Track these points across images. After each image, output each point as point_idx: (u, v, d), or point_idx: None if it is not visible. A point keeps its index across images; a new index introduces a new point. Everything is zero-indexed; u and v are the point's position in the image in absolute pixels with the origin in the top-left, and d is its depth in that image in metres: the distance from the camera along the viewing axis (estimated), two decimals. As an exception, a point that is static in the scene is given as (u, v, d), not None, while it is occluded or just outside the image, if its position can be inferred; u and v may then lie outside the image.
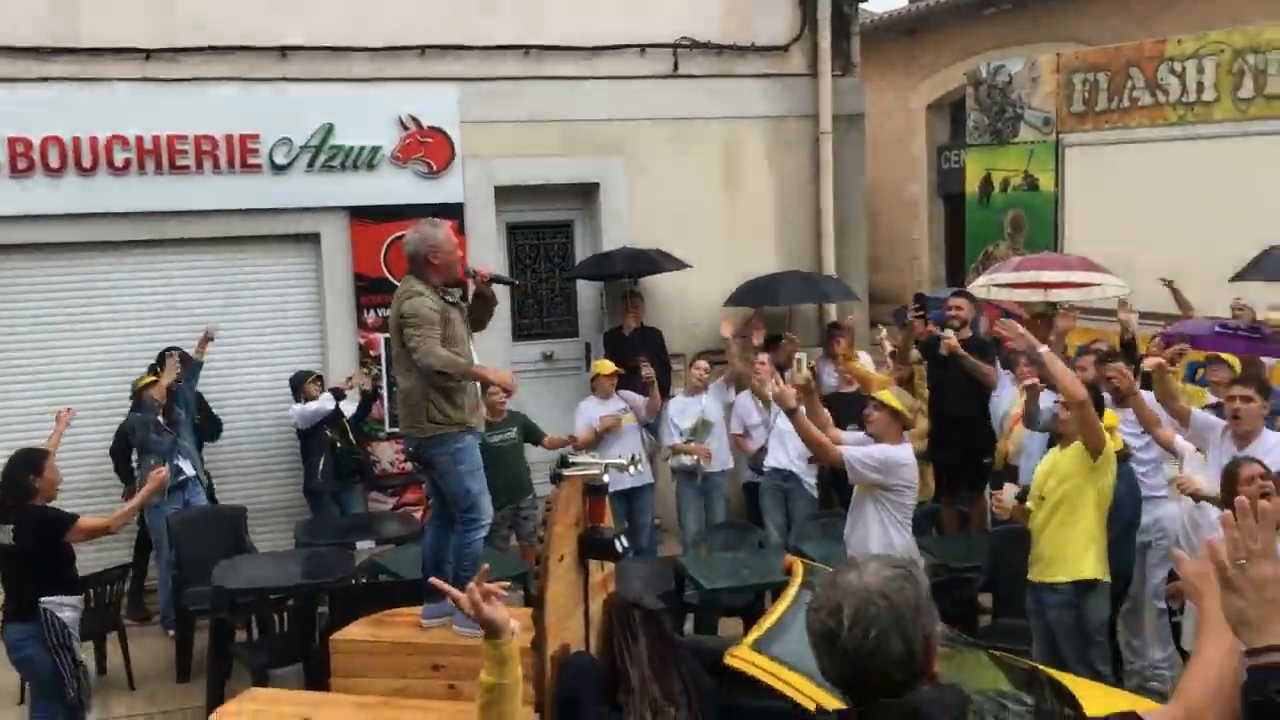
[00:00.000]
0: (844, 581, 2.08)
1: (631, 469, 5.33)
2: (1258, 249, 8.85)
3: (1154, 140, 12.75)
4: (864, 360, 9.14)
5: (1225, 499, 5.23)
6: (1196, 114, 12.49)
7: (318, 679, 5.53)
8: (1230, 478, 5.18)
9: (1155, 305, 9.80)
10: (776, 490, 8.12)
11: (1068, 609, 5.76)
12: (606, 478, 4.89)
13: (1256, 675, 1.81)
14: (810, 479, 8.11)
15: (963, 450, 7.91)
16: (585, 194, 10.07)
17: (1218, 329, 8.80)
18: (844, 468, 6.03)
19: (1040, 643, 5.90)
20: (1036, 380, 6.65)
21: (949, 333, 7.89)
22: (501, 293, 6.02)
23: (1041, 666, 5.11)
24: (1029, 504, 6.03)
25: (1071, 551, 5.76)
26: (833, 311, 10.22)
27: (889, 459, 5.99)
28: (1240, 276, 8.67)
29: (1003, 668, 4.89)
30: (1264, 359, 7.85)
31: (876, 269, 17.76)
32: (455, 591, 2.71)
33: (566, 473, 4.83)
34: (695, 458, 8.39)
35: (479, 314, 5.61)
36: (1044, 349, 5.93)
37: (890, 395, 6.37)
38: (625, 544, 4.88)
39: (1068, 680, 4.86)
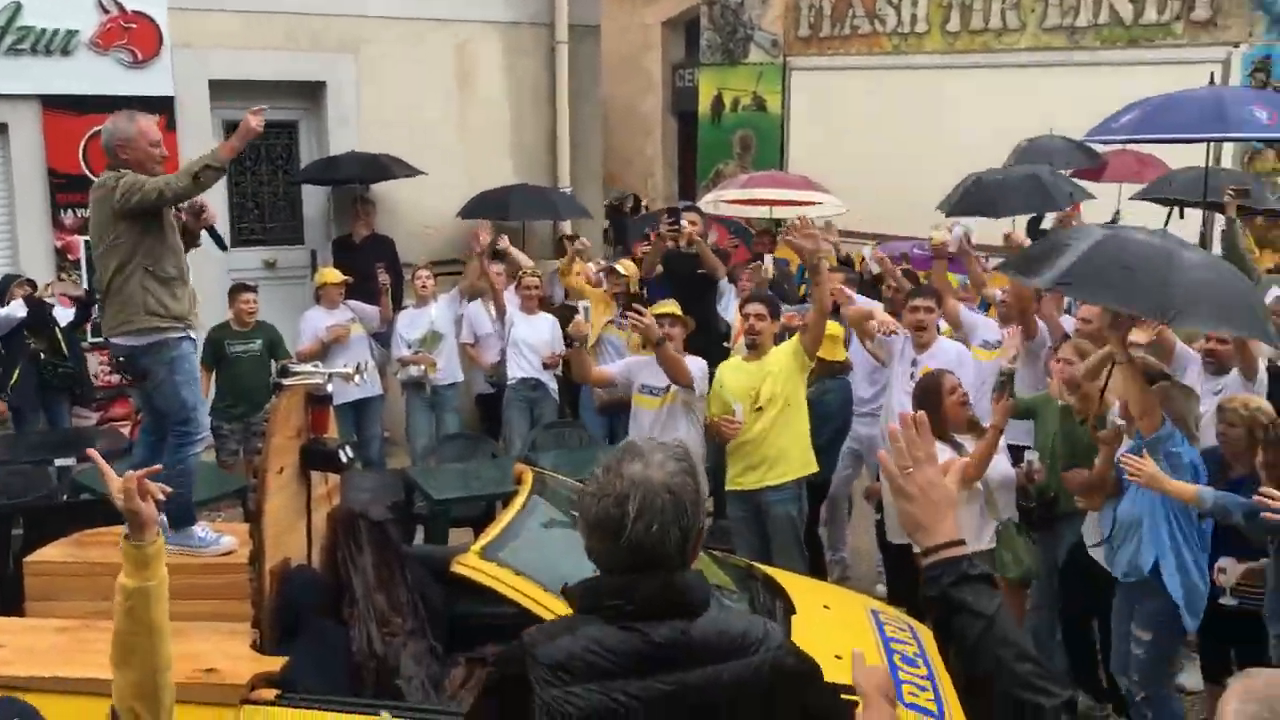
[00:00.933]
0: (630, 472, 2.10)
1: (356, 379, 5.17)
2: (961, 175, 9.43)
3: (871, 68, 13.42)
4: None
5: (923, 408, 5.61)
6: (910, 44, 13.22)
7: (11, 604, 5.13)
8: (933, 389, 5.52)
9: (870, 225, 10.37)
10: (523, 401, 8.13)
11: (794, 504, 6.02)
12: (330, 388, 4.72)
13: (931, 572, 1.95)
14: (554, 384, 8.20)
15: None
16: (311, 94, 9.58)
17: (916, 250, 9.43)
18: (692, 384, 6.14)
19: (748, 546, 6.11)
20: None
21: (685, 225, 8.10)
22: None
23: (756, 565, 5.37)
24: (741, 417, 6.04)
25: (797, 449, 6.01)
26: (567, 226, 10.24)
27: (701, 367, 6.21)
28: (951, 211, 9.18)
29: (721, 566, 5.11)
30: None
31: (611, 184, 17.93)
32: (103, 464, 2.56)
33: (287, 382, 4.63)
34: (422, 368, 8.26)
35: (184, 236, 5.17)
36: (822, 259, 6.15)
37: (674, 306, 6.49)
38: (350, 455, 4.74)
39: (777, 575, 5.14)
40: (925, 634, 4.85)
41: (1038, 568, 5.69)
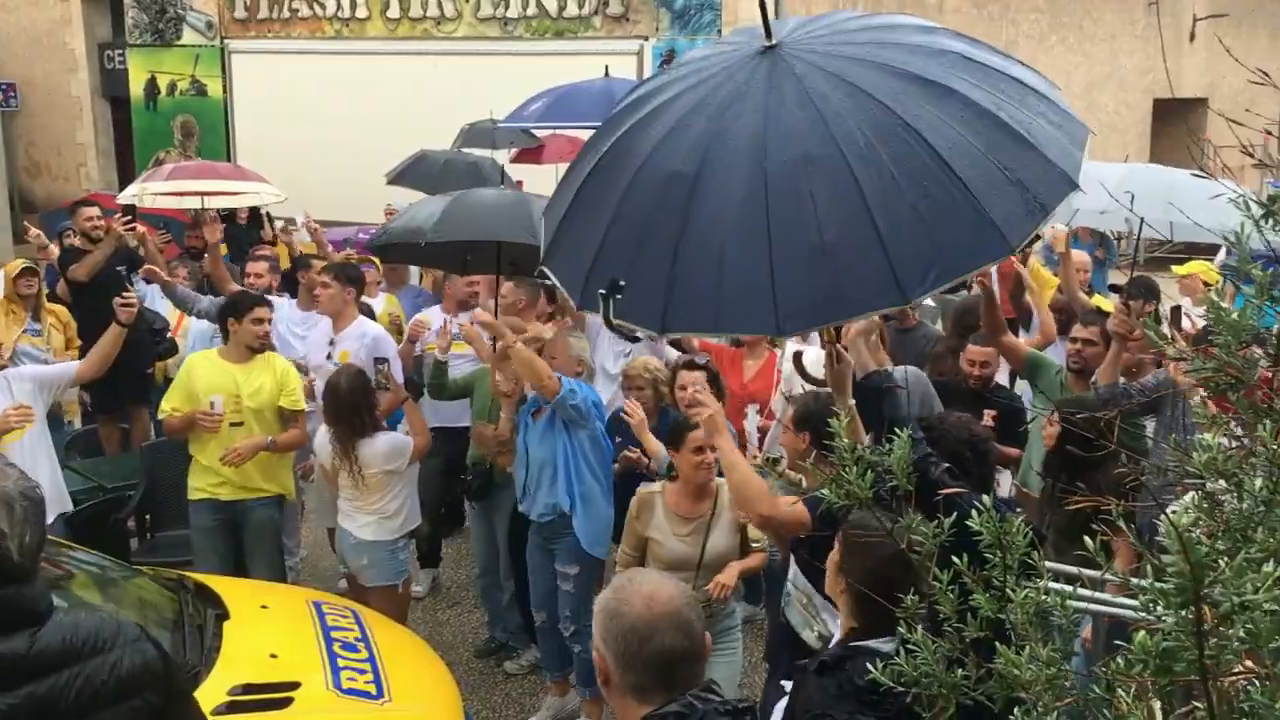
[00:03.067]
0: None
1: None
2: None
3: (315, 53, 13.22)
4: None
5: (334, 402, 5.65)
6: (352, 30, 13.17)
7: None
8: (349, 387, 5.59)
9: (320, 213, 10.19)
10: None
11: (275, 508, 5.79)
12: None
13: None
14: None
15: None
16: None
17: (361, 235, 9.48)
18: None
19: (216, 556, 5.73)
20: None
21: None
22: None
23: (188, 574, 5.10)
24: (221, 409, 5.60)
25: (280, 468, 5.79)
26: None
27: None
28: (393, 181, 9.31)
29: (152, 580, 4.83)
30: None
31: (40, 175, 16.17)
32: None
33: None
34: None
35: None
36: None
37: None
38: None
39: (210, 581, 4.93)
40: (368, 617, 4.89)
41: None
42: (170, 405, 5.61)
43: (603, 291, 2.91)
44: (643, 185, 2.98)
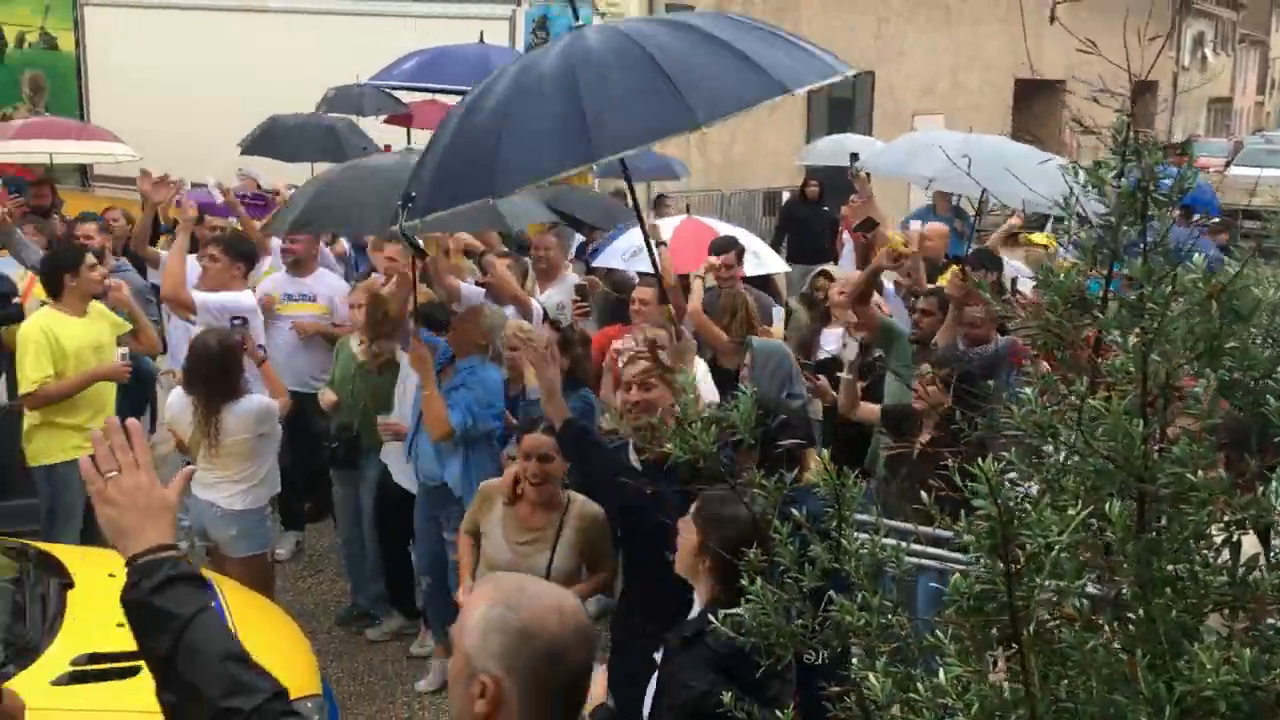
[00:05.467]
0: None
1: None
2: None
3: (176, 7, 12.74)
4: None
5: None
6: (217, -15, 12.71)
7: None
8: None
9: (182, 174, 9.84)
10: None
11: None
12: None
13: (131, 578, 1.82)
14: None
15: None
16: None
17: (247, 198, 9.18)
18: None
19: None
20: None
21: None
22: None
23: (33, 543, 4.92)
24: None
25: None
26: None
27: None
28: (246, 150, 9.03)
29: (-8, 548, 4.67)
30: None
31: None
32: None
33: None
34: None
35: None
36: None
37: None
38: None
39: (55, 550, 4.78)
40: (222, 584, 4.77)
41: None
42: (43, 374, 5.46)
43: (399, 203, 3.58)
44: (450, 124, 3.97)
